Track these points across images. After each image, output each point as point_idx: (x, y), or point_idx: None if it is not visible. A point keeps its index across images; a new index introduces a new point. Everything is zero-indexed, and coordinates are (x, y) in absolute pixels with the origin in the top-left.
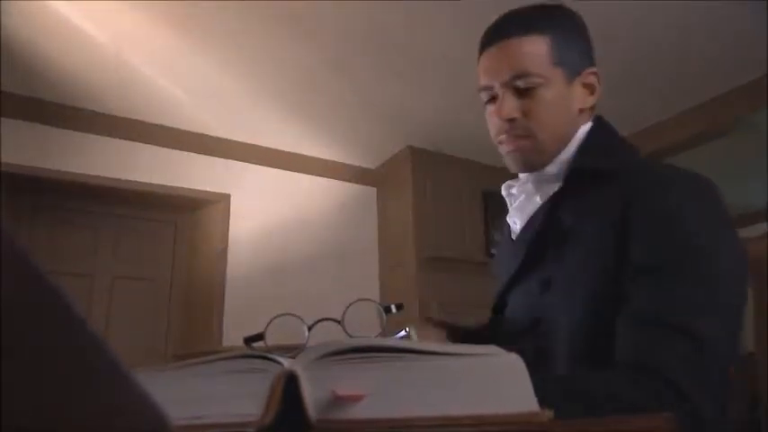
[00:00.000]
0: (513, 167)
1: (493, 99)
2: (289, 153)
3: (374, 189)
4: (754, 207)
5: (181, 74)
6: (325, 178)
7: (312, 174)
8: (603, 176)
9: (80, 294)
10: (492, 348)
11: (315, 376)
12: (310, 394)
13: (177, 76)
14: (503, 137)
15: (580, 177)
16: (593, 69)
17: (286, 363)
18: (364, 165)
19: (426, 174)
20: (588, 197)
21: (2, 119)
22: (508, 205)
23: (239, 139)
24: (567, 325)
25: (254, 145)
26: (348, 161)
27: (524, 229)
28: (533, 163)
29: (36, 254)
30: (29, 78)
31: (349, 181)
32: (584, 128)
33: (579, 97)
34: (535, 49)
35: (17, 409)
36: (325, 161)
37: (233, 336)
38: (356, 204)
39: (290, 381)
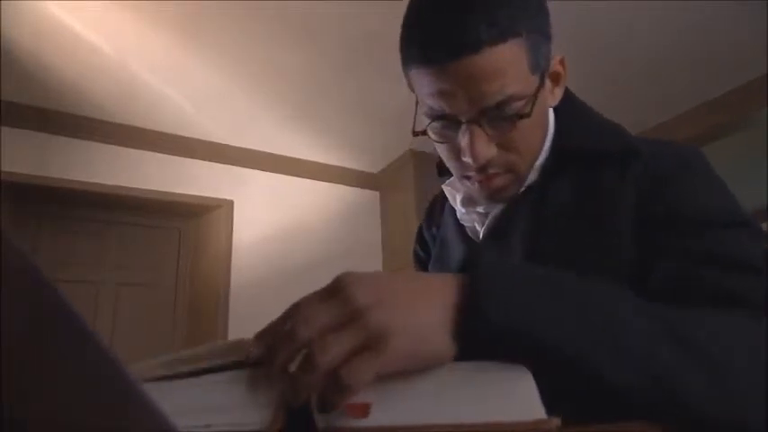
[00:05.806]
0: (482, 202)
1: (451, 125)
2: (291, 158)
3: (377, 193)
4: (755, 207)
5: (183, 81)
6: (328, 183)
7: (315, 178)
8: (598, 157)
9: (85, 302)
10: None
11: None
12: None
13: (179, 83)
14: (472, 174)
15: (573, 161)
16: (560, 57)
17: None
18: (367, 169)
19: (429, 177)
20: (585, 179)
21: (5, 128)
22: (452, 201)
23: (241, 145)
24: None
25: (256, 150)
26: (350, 165)
27: (501, 224)
28: (512, 194)
29: (41, 262)
30: (32, 87)
31: (351, 185)
32: (551, 116)
33: (551, 94)
34: (515, 61)
35: (26, 420)
36: (328, 166)
37: None
38: (359, 208)
39: None
